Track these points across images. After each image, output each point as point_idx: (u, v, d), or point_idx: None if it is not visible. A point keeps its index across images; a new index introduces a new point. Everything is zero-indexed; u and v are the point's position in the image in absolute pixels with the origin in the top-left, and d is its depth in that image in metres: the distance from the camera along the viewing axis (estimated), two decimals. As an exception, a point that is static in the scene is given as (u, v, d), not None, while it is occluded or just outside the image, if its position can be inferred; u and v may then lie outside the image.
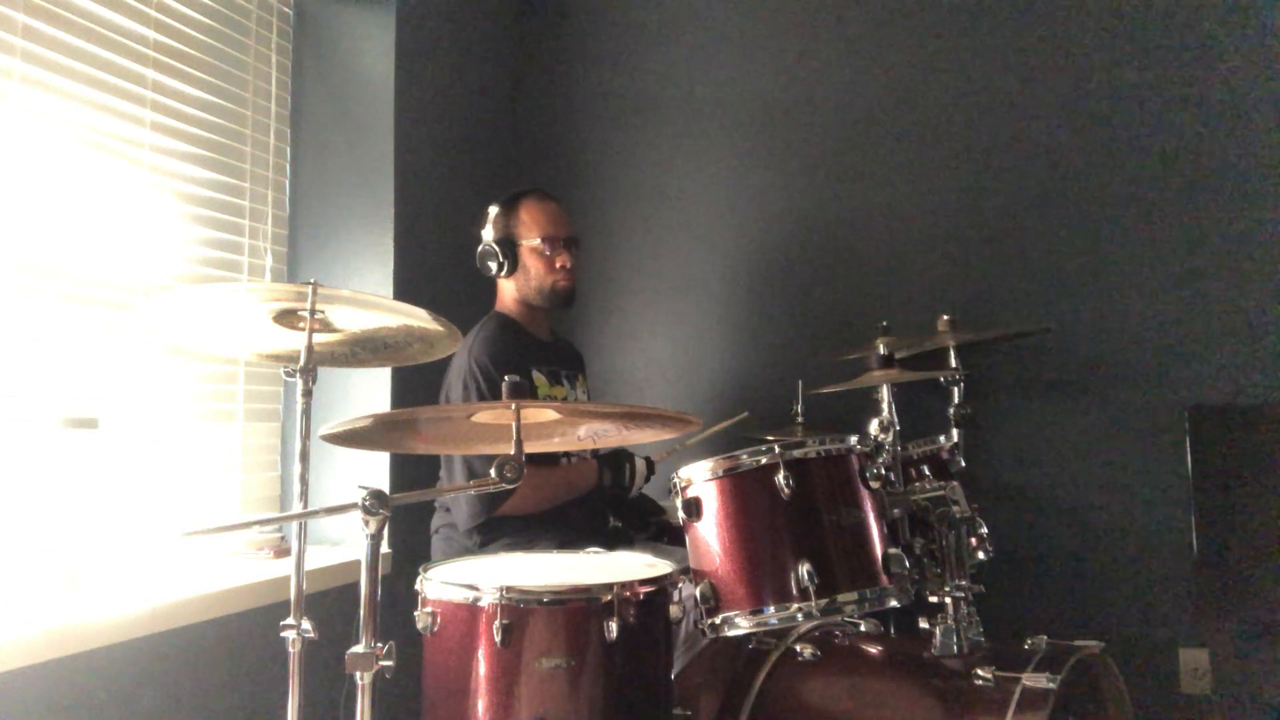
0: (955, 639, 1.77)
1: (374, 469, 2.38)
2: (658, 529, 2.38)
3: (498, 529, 2.16)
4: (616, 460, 2.28)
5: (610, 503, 2.39)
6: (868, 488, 1.73)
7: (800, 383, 2.60)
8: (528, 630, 1.45)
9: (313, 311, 1.44)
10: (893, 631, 2.14)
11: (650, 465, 2.32)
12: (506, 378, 1.36)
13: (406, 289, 2.47)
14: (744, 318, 3.00)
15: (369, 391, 2.41)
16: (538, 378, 2.27)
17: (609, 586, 1.48)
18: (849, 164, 2.92)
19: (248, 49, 2.36)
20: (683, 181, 3.08)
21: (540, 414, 1.46)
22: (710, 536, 1.71)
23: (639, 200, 3.12)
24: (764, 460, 1.68)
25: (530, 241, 2.31)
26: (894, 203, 2.87)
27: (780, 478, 1.65)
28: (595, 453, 2.32)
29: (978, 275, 2.78)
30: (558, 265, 2.31)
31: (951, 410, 2.39)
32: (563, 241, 2.32)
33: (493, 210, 2.34)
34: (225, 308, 1.53)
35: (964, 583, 1.81)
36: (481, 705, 1.46)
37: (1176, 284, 2.61)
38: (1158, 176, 2.64)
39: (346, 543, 2.40)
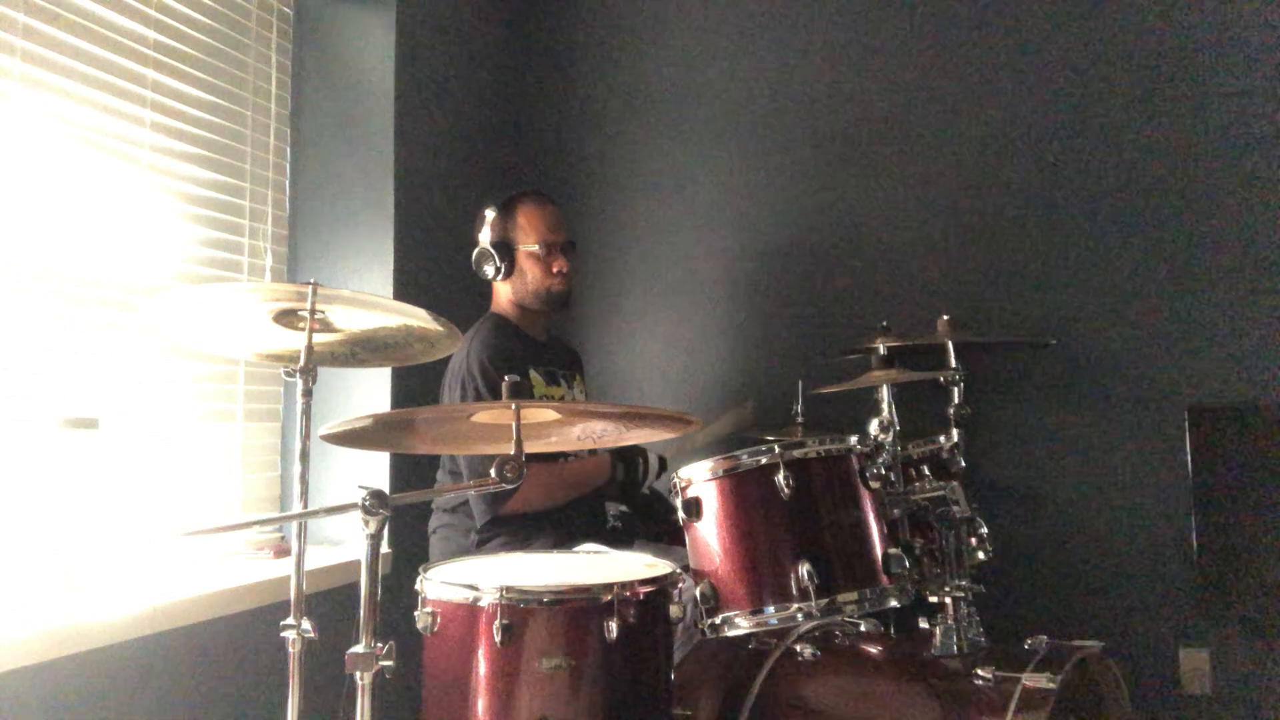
0: (955, 639, 1.77)
1: (374, 469, 2.38)
2: (669, 532, 2.38)
3: (494, 527, 2.16)
4: (630, 455, 2.28)
5: (625, 498, 2.39)
6: (868, 488, 1.73)
7: (800, 383, 2.60)
8: (528, 630, 1.45)
9: (313, 311, 1.44)
10: (893, 631, 2.14)
11: (663, 462, 2.33)
12: (506, 377, 1.36)
13: (406, 289, 2.48)
14: (744, 318, 3.00)
15: (369, 391, 2.41)
16: (535, 377, 2.27)
17: (609, 586, 1.48)
18: (849, 164, 2.92)
19: (248, 49, 2.36)
20: (683, 181, 3.08)
21: (540, 414, 1.46)
22: (710, 536, 1.71)
23: (639, 200, 3.12)
24: (764, 460, 1.68)
25: (527, 246, 2.31)
26: (894, 203, 2.87)
27: (780, 478, 1.65)
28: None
29: (978, 275, 2.78)
30: (554, 270, 2.32)
31: (951, 410, 2.39)
32: (560, 246, 2.33)
33: (489, 213, 2.34)
34: (225, 308, 1.53)
35: (964, 583, 1.81)
36: (481, 705, 1.46)
37: (1176, 284, 2.61)
38: (1157, 176, 2.64)
39: (346, 543, 2.40)
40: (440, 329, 1.54)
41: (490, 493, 2.09)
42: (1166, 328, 2.61)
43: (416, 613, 1.53)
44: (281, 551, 2.14)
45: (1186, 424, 2.50)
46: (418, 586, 1.56)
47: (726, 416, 2.59)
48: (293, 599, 1.43)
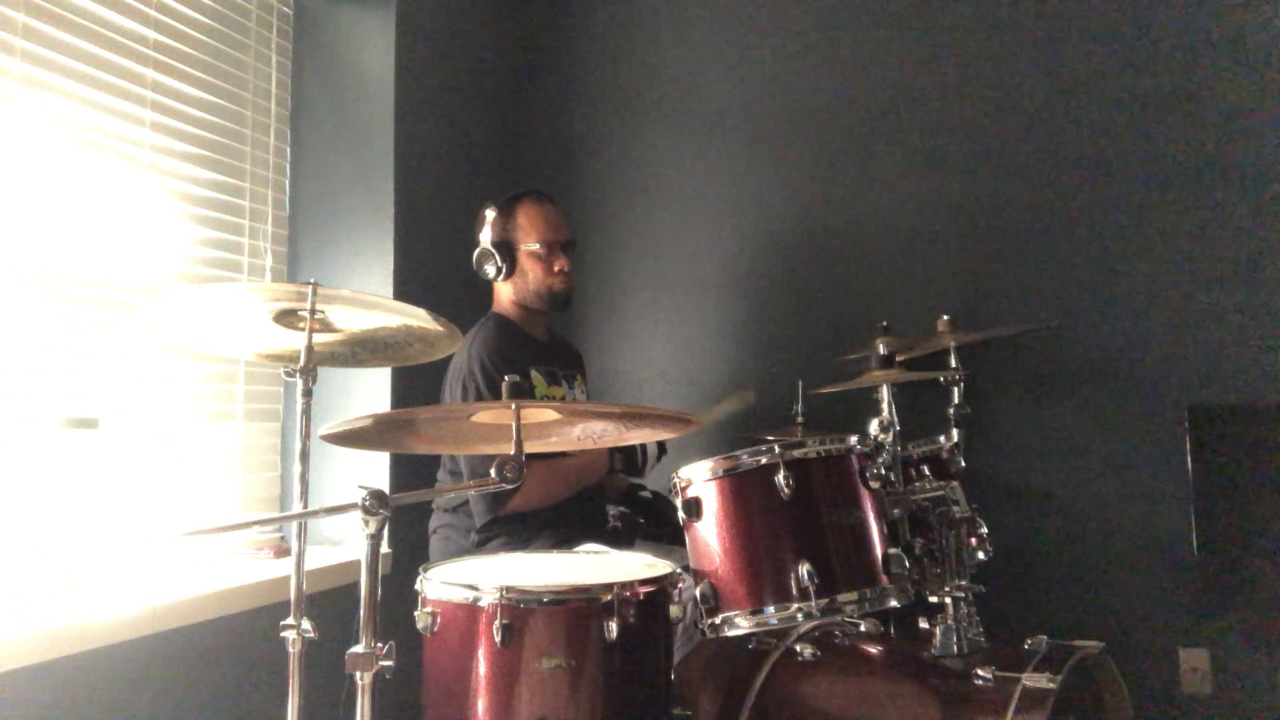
0: (955, 639, 1.77)
1: (374, 469, 2.38)
2: (669, 532, 2.38)
3: (494, 527, 2.16)
4: (628, 445, 2.29)
5: (631, 500, 2.40)
6: (868, 488, 1.73)
7: (800, 383, 2.60)
8: (528, 630, 1.45)
9: (313, 311, 1.44)
10: (893, 631, 2.14)
11: (662, 446, 2.34)
12: (506, 377, 1.36)
13: (406, 289, 2.48)
14: (744, 318, 3.00)
15: (369, 391, 2.41)
16: (536, 377, 2.28)
17: (609, 586, 1.48)
18: (849, 164, 2.92)
19: (248, 49, 2.36)
20: (683, 181, 3.08)
21: (540, 414, 1.46)
22: (710, 536, 1.71)
23: (639, 200, 3.12)
24: (764, 460, 1.68)
25: (529, 246, 2.31)
26: (894, 203, 2.87)
27: (780, 478, 1.66)
28: None
29: (978, 275, 2.78)
30: (556, 269, 2.32)
31: (951, 410, 2.39)
32: (560, 245, 2.33)
33: (490, 213, 2.34)
34: (225, 308, 1.53)
35: (964, 583, 1.81)
36: (481, 705, 1.46)
37: (1177, 284, 2.61)
38: (1158, 176, 2.64)
39: (346, 543, 2.40)
40: (440, 329, 1.54)
41: (490, 493, 2.10)
42: (1167, 327, 2.60)
43: (416, 613, 1.53)
44: (281, 551, 2.14)
45: (1186, 424, 2.49)
46: (418, 586, 1.56)
47: (725, 402, 2.59)
48: (293, 599, 1.43)
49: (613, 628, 1.45)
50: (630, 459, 2.29)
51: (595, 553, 2.01)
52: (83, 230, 1.87)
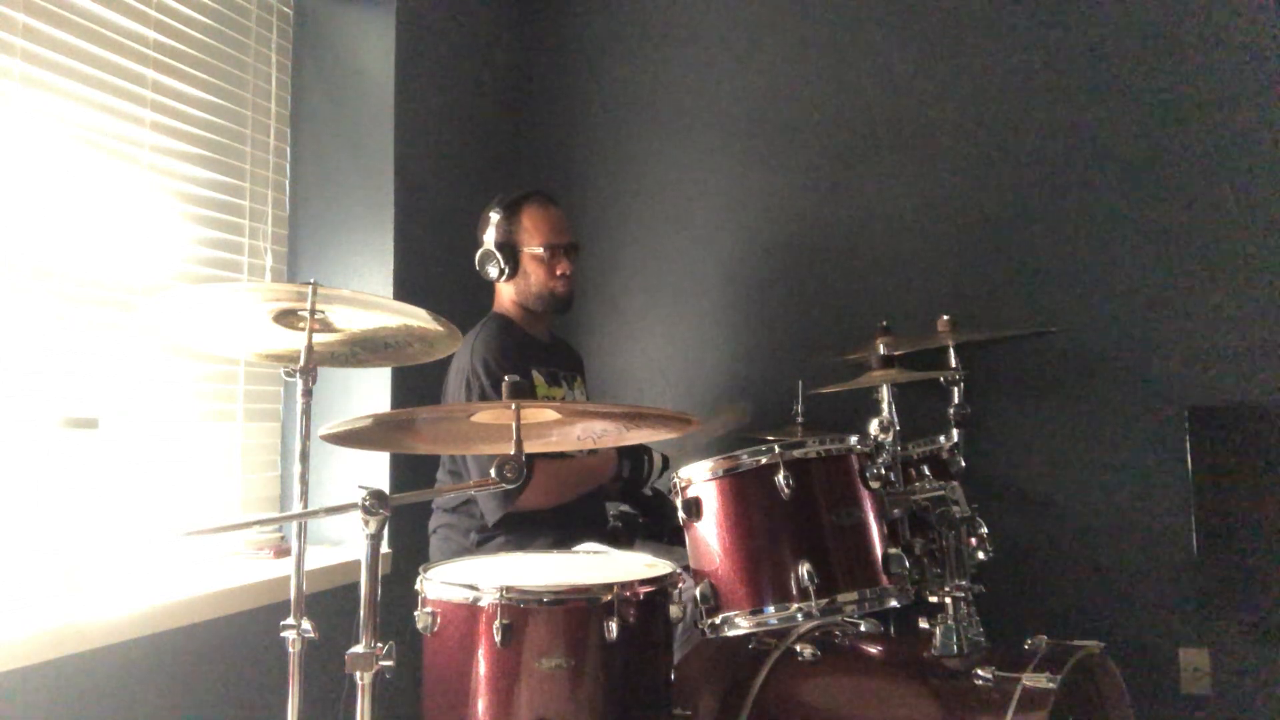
0: (955, 639, 1.77)
1: (374, 469, 2.38)
2: (671, 531, 2.39)
3: (500, 526, 2.16)
4: (636, 452, 2.30)
5: (633, 499, 2.41)
6: (868, 488, 1.73)
7: (800, 383, 2.60)
8: (528, 630, 1.45)
9: (313, 311, 1.44)
10: (893, 631, 2.14)
11: (666, 461, 2.36)
12: (506, 377, 1.36)
13: (406, 289, 2.48)
14: (744, 318, 3.00)
15: (369, 391, 2.41)
16: (537, 378, 2.28)
17: (609, 586, 1.48)
18: (849, 164, 2.92)
19: (248, 49, 2.36)
20: (683, 181, 3.08)
21: (540, 414, 1.46)
22: (710, 536, 1.71)
23: (639, 200, 3.12)
24: (764, 460, 1.68)
25: (532, 249, 2.31)
26: (894, 202, 2.87)
27: (780, 478, 1.65)
28: None
29: (978, 275, 2.78)
30: (558, 272, 2.32)
31: (951, 410, 2.39)
32: (563, 249, 2.34)
33: (493, 214, 2.34)
34: (225, 308, 1.53)
35: (964, 583, 1.80)
36: (481, 705, 1.46)
37: (1177, 284, 2.61)
38: (1158, 176, 2.64)
39: (346, 543, 2.40)
40: (440, 329, 1.54)
41: (497, 493, 2.10)
42: (1167, 328, 2.60)
43: (416, 613, 1.53)
44: (281, 551, 2.14)
45: (1186, 424, 2.49)
46: (418, 586, 1.56)
47: (721, 415, 2.60)
48: (293, 599, 1.43)
49: (613, 628, 1.45)
50: (637, 467, 2.31)
51: (595, 553, 2.01)
52: (83, 230, 1.86)
